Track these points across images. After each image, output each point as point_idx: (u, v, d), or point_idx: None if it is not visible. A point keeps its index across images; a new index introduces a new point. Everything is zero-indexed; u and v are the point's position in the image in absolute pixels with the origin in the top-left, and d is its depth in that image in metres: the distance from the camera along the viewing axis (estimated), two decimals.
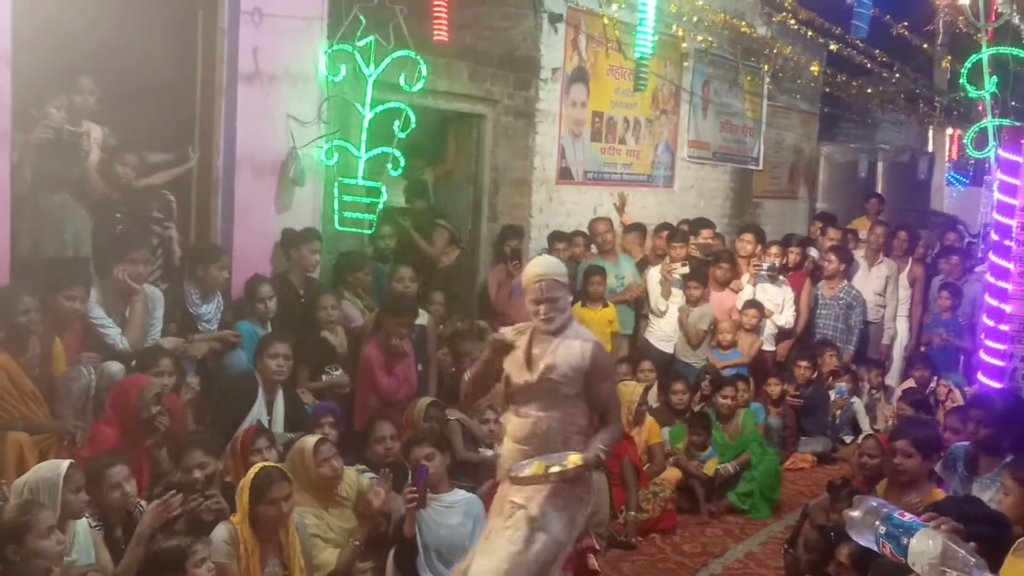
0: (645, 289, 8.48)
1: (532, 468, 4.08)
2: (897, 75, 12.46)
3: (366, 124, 6.64)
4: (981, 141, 9.04)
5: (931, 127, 15.92)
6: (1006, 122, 8.62)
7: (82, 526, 4.07)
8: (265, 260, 6.52)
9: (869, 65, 11.87)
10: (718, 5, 10.15)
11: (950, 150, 17.20)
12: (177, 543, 4.06)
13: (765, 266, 8.56)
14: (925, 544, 2.46)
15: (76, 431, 4.77)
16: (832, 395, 8.47)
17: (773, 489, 6.94)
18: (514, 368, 4.28)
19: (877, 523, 2.58)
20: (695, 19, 9.76)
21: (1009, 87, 9.24)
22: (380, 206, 6.83)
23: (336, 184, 6.77)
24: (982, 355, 6.73)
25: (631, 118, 9.74)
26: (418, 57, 6.67)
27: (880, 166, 12.87)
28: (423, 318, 6.88)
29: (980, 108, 9.45)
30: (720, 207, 11.32)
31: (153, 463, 4.91)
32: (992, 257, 6.74)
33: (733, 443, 7.00)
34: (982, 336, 6.89)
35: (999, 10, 9.39)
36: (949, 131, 16.64)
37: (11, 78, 5.17)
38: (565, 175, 8.97)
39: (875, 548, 2.61)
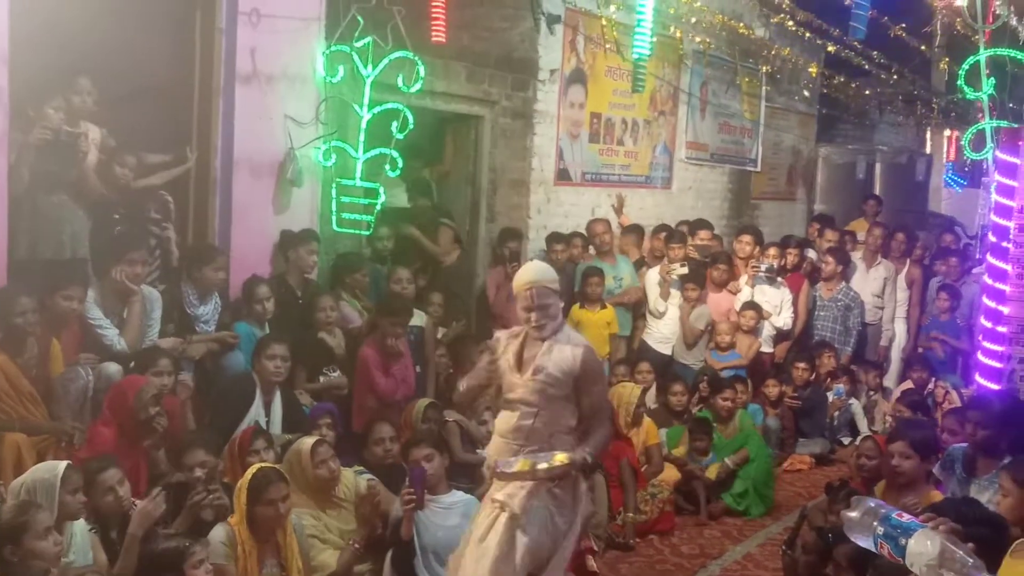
0: (643, 291, 8.48)
1: (518, 465, 4.10)
2: (895, 76, 12.47)
3: (364, 125, 6.64)
4: (979, 143, 9.03)
5: (929, 129, 15.91)
6: (1004, 124, 8.61)
7: (79, 527, 4.06)
8: (263, 261, 6.51)
9: (867, 67, 11.88)
10: (716, 6, 10.15)
11: (948, 152, 17.20)
12: (175, 544, 4.05)
13: (763, 267, 8.57)
14: (923, 545, 2.46)
15: (74, 432, 4.77)
16: (830, 396, 8.47)
17: (768, 486, 6.94)
18: (506, 370, 4.30)
19: (875, 524, 2.58)
20: (693, 20, 9.77)
21: (1007, 89, 9.22)
22: (378, 207, 6.82)
23: (334, 185, 6.76)
24: (980, 357, 6.73)
25: (629, 119, 9.74)
26: (416, 58, 6.67)
27: (878, 167, 12.87)
28: (421, 319, 6.88)
29: (978, 109, 9.45)
30: (718, 208, 11.32)
31: (151, 464, 4.90)
32: (990, 259, 6.74)
33: (731, 441, 7.01)
34: (980, 338, 6.89)
35: (997, 12, 9.39)
36: (947, 133, 16.64)
37: (9, 78, 5.16)
38: (563, 176, 8.97)
39: (873, 549, 2.60)
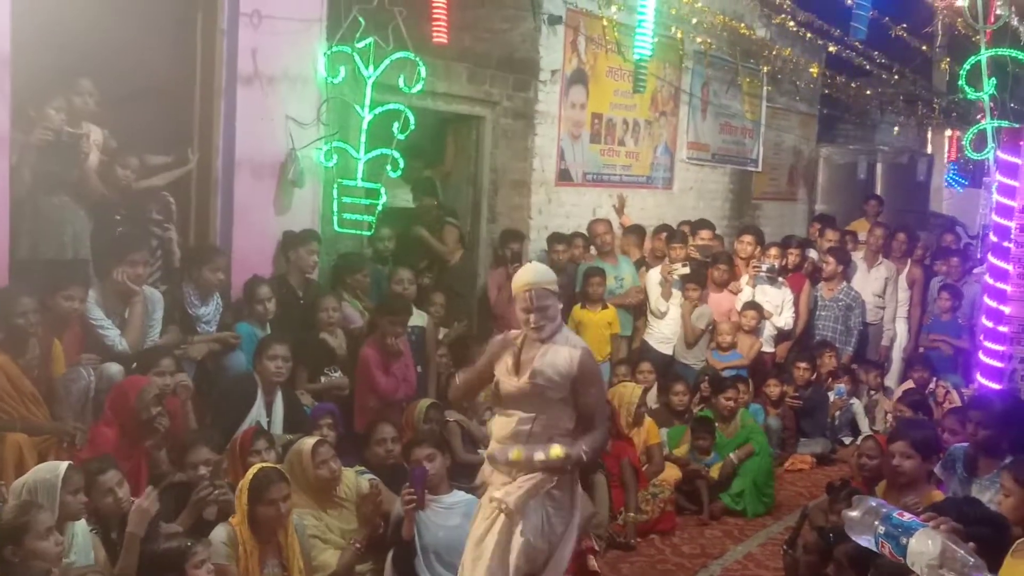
0: (645, 291, 8.48)
1: (513, 454, 4.14)
2: (896, 77, 12.46)
3: (365, 126, 6.64)
4: (980, 143, 9.03)
5: (930, 129, 15.91)
6: (1005, 124, 8.60)
7: (81, 527, 4.07)
8: (264, 261, 6.51)
9: (868, 67, 11.87)
10: (717, 7, 10.15)
11: (949, 152, 17.20)
12: (177, 544, 4.06)
13: (764, 268, 8.57)
14: (924, 544, 2.46)
15: (75, 432, 4.77)
16: (831, 396, 8.48)
17: (767, 485, 6.94)
18: (503, 372, 4.29)
19: (876, 523, 2.58)
20: (694, 21, 9.77)
21: (1008, 89, 9.22)
22: (379, 207, 6.83)
23: (335, 186, 6.77)
24: (981, 356, 6.73)
25: (630, 120, 9.74)
26: (417, 59, 6.67)
27: (879, 168, 12.86)
28: (423, 319, 6.88)
29: (979, 109, 9.45)
30: (719, 209, 11.32)
31: (152, 464, 4.90)
32: (991, 259, 6.74)
33: (733, 439, 7.01)
34: (981, 338, 6.89)
35: (998, 12, 9.39)
36: (948, 133, 16.65)
37: (10, 79, 5.17)
38: (564, 177, 8.97)
39: (874, 548, 2.61)
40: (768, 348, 8.62)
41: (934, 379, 8.28)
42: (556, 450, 4.12)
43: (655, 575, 5.76)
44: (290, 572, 4.41)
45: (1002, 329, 6.45)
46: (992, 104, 8.84)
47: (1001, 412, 4.95)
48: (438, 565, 4.92)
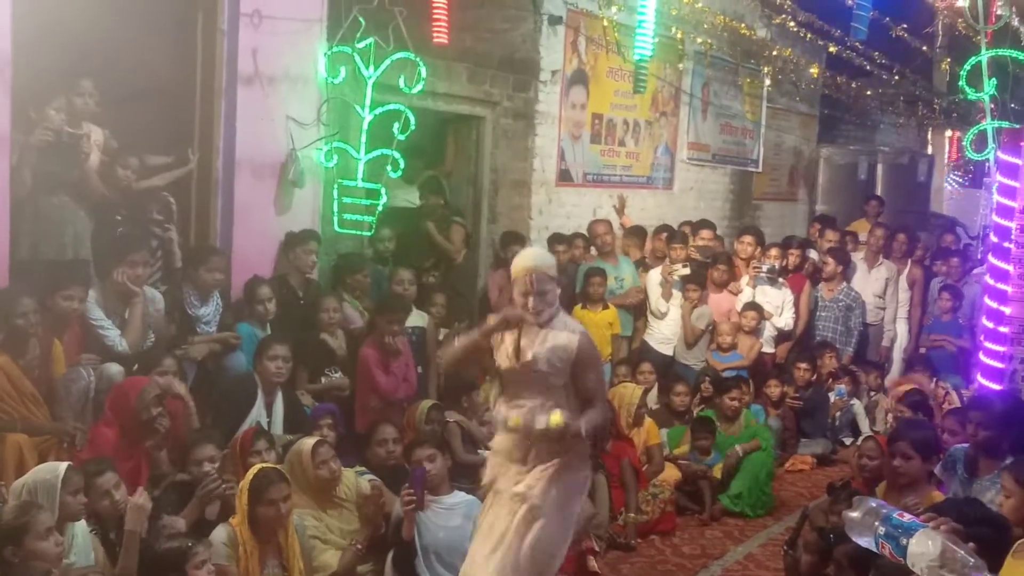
0: (645, 291, 8.48)
1: (512, 420, 4.20)
2: (896, 77, 12.47)
3: (365, 126, 6.65)
4: (980, 143, 9.03)
5: (930, 129, 15.92)
6: (1005, 124, 8.60)
7: (81, 528, 4.07)
8: (264, 262, 6.51)
9: (868, 67, 11.88)
10: (717, 7, 10.15)
11: (949, 152, 17.20)
12: (177, 545, 4.06)
13: (765, 268, 8.57)
14: (924, 545, 2.45)
15: (75, 433, 4.77)
16: (832, 397, 8.47)
17: (767, 485, 6.94)
18: (502, 358, 4.30)
19: (876, 524, 2.58)
20: (694, 21, 9.77)
21: (1008, 89, 9.23)
22: (380, 208, 6.83)
23: (335, 186, 6.77)
24: (981, 357, 6.73)
25: (631, 120, 9.75)
26: (418, 59, 6.68)
27: (880, 168, 12.86)
28: (423, 320, 6.88)
29: (980, 109, 9.45)
30: (720, 209, 11.32)
31: (152, 465, 4.90)
32: (991, 259, 6.74)
33: (738, 437, 7.01)
34: (981, 338, 6.89)
35: (998, 12, 9.40)
36: (948, 133, 16.66)
37: (11, 80, 5.17)
38: (565, 177, 8.97)
39: (874, 549, 2.60)
40: (768, 349, 8.62)
41: (934, 380, 8.27)
42: (556, 416, 4.15)
43: (655, 575, 5.75)
44: (290, 572, 4.41)
45: (1002, 330, 6.45)
46: (992, 105, 8.84)
47: (1001, 413, 4.95)
48: (438, 566, 4.91)
